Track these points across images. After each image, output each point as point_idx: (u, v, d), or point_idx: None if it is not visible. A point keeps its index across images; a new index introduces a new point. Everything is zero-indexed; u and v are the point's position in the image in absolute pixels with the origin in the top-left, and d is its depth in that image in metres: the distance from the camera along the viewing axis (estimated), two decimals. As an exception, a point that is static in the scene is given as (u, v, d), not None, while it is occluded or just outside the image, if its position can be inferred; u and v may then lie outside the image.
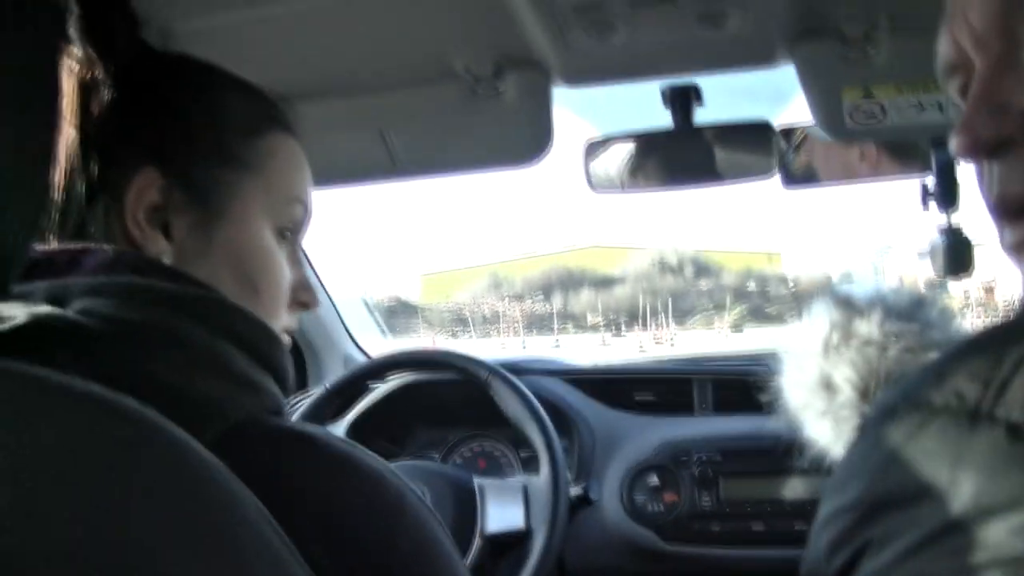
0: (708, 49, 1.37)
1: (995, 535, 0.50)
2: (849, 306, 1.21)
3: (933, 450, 0.54)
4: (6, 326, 0.66)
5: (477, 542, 1.68)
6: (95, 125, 0.79)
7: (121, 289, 0.72)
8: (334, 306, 2.48)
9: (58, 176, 0.78)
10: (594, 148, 1.67)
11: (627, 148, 1.66)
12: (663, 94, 1.54)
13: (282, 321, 0.88)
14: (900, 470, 0.55)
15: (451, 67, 1.43)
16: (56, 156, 0.64)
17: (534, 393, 1.79)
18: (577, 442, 1.98)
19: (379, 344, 2.65)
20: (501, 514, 1.70)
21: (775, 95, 1.66)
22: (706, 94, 1.55)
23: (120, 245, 0.79)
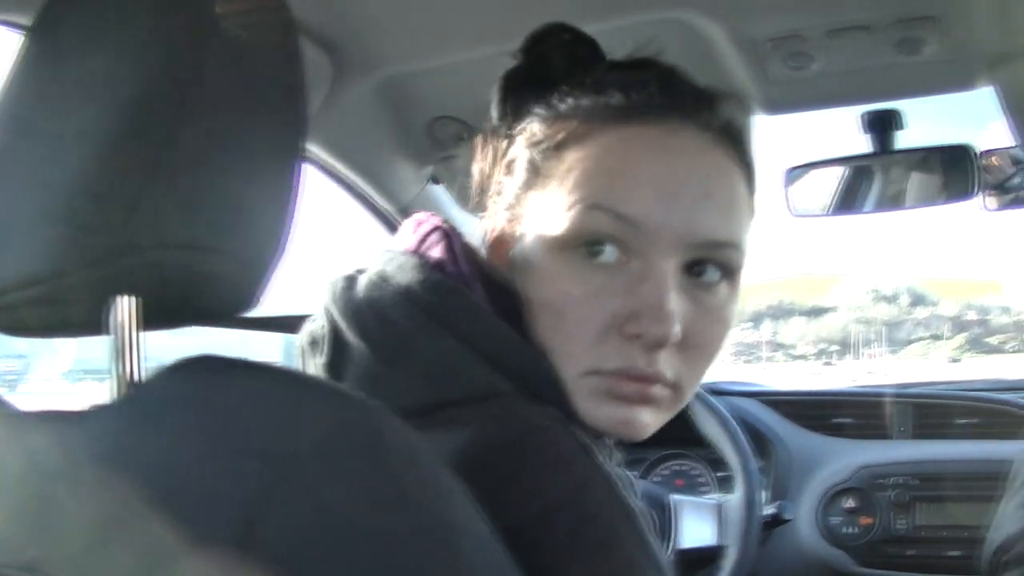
0: (905, 75, 1.38)
1: None
2: None
3: None
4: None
5: (669, 557, 1.71)
6: None
7: None
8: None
9: None
10: (794, 174, 1.68)
11: (828, 174, 1.67)
12: (862, 119, 1.54)
13: None
14: None
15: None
16: None
17: (731, 414, 1.82)
18: (773, 463, 1.99)
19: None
20: (694, 530, 1.72)
21: (975, 117, 1.64)
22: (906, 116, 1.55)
23: None
